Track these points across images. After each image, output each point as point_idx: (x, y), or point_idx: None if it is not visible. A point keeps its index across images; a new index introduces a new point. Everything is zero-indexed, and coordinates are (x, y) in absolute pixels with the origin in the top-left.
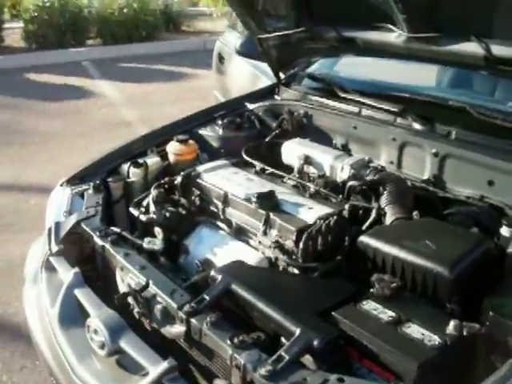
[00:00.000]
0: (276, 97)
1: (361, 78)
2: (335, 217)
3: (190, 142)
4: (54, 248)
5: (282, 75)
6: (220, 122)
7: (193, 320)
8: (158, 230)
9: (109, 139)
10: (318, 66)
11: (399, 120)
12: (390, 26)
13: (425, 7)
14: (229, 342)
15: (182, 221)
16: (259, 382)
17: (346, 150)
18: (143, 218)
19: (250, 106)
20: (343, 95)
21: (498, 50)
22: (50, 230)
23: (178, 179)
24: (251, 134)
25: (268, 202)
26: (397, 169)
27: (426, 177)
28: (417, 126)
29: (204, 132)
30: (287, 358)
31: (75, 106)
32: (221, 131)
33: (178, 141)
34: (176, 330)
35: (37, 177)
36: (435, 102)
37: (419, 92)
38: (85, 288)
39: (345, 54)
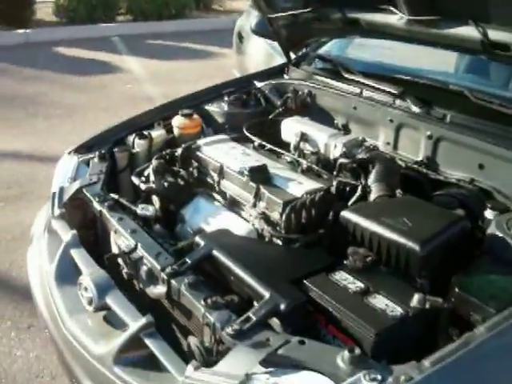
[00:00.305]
0: (285, 76)
1: (367, 60)
2: (321, 192)
3: (195, 116)
4: (56, 212)
5: (292, 55)
6: (226, 99)
7: (173, 281)
8: (155, 199)
9: (132, 114)
10: (329, 48)
11: (398, 102)
12: (392, 8)
13: None
14: (202, 302)
15: (179, 191)
16: (226, 339)
17: (346, 129)
18: (143, 186)
19: (258, 84)
20: (347, 76)
21: (494, 34)
22: (53, 194)
23: (179, 151)
24: (256, 111)
25: (259, 175)
26: (393, 150)
27: (420, 158)
28: (414, 108)
29: (210, 107)
30: (254, 319)
31: (101, 81)
32: (226, 107)
33: (182, 115)
34: (158, 290)
35: (58, 148)
36: (435, 85)
37: (421, 75)
38: (80, 248)
39: (350, 36)
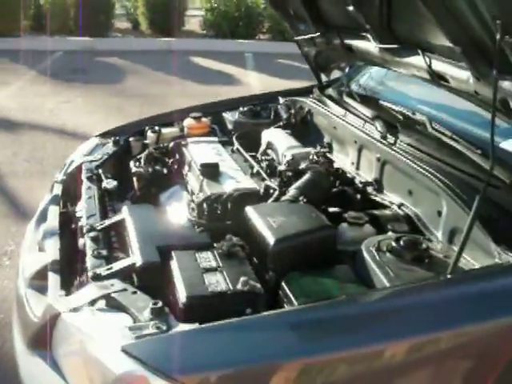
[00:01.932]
0: (310, 96)
1: (374, 89)
2: (242, 191)
3: (203, 119)
4: (60, 177)
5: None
6: (241, 109)
7: (88, 235)
8: (135, 179)
9: None
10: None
11: (366, 125)
12: (368, 36)
13: (381, 18)
14: (91, 252)
15: (161, 178)
16: (89, 280)
17: (330, 147)
18: (133, 169)
19: (281, 100)
20: (346, 100)
21: (437, 65)
22: (64, 164)
23: (170, 145)
24: (262, 122)
25: (208, 170)
26: (355, 170)
27: (371, 179)
28: (375, 132)
29: (225, 115)
30: (114, 269)
31: (216, 91)
32: (237, 116)
33: (192, 117)
34: (81, 242)
35: None
36: (405, 113)
37: (403, 104)
38: (55, 207)
39: (352, 61)
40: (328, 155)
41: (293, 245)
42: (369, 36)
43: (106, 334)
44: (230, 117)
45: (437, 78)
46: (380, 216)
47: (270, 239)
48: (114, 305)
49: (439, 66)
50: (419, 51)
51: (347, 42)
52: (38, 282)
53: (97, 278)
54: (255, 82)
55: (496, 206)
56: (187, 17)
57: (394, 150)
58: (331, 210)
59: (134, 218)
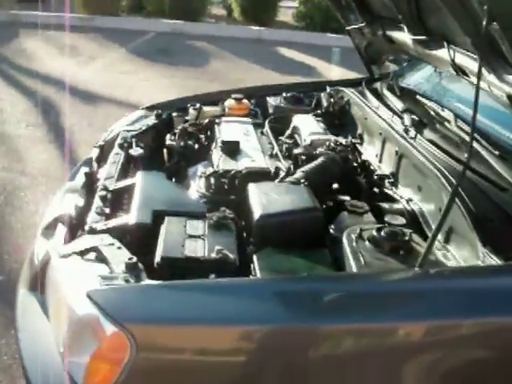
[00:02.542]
0: (359, 88)
1: (416, 85)
2: (253, 170)
3: (244, 101)
4: (100, 143)
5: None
6: (284, 95)
7: (99, 193)
8: (165, 152)
9: None
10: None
11: (395, 118)
12: (404, 27)
13: (410, 10)
14: (95, 209)
15: (192, 152)
16: (85, 232)
17: (361, 138)
18: (168, 142)
19: (328, 89)
20: (386, 93)
21: (460, 59)
22: (108, 132)
23: (205, 122)
24: (301, 108)
25: (229, 148)
26: (378, 162)
27: (389, 171)
28: (399, 125)
29: (269, 99)
30: (109, 225)
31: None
32: (279, 101)
33: (233, 98)
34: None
35: None
36: (434, 108)
37: (439, 101)
38: (85, 168)
39: (395, 54)
40: (350, 145)
41: (276, 222)
42: (404, 27)
43: (80, 280)
44: (272, 101)
45: (460, 72)
46: (383, 208)
47: (256, 214)
48: (99, 257)
49: (462, 59)
50: (445, 43)
51: (388, 33)
52: (49, 231)
53: (91, 231)
54: (336, 76)
55: (498, 208)
56: (283, 8)
57: (412, 145)
58: (340, 197)
59: (142, 183)
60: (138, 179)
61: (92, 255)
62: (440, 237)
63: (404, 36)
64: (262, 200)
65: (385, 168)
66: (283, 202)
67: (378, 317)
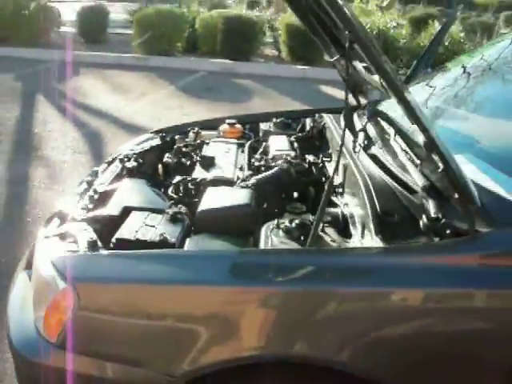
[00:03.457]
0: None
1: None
2: (217, 178)
3: (237, 126)
4: (107, 159)
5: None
6: (274, 120)
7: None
8: (160, 166)
9: None
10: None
11: (351, 138)
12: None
13: None
14: None
15: (183, 168)
16: (69, 221)
17: (330, 156)
18: (165, 159)
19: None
20: (355, 116)
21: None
22: (116, 151)
23: (197, 142)
24: (286, 133)
25: (205, 161)
26: (336, 174)
27: (339, 182)
28: (351, 143)
29: (261, 125)
30: (87, 216)
31: None
32: (267, 126)
33: (227, 123)
34: None
35: None
36: (383, 127)
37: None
38: (90, 178)
39: (364, 83)
40: (313, 160)
41: (211, 215)
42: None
43: (50, 254)
44: (263, 126)
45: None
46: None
47: (199, 209)
48: (72, 238)
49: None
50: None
51: (354, 63)
52: (48, 223)
53: (72, 220)
54: None
55: (402, 207)
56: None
57: (353, 159)
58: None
59: (123, 186)
60: (122, 183)
61: (67, 236)
62: (356, 232)
63: (359, 65)
64: (208, 199)
65: (337, 179)
66: (224, 200)
67: (273, 282)
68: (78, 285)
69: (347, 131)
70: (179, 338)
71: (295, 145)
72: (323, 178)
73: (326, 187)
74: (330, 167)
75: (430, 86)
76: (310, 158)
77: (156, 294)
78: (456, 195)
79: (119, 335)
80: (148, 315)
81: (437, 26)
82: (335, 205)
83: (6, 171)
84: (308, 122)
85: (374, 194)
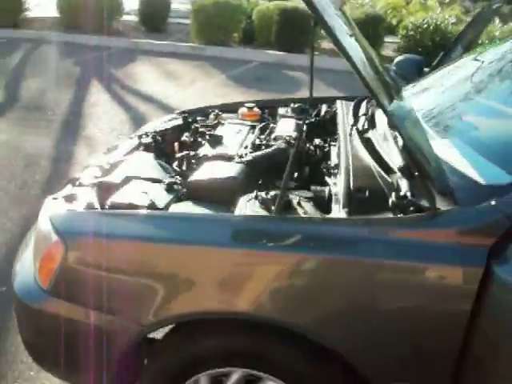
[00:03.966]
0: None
1: None
2: (219, 155)
3: (255, 109)
4: (131, 136)
5: None
6: (292, 105)
7: None
8: (176, 144)
9: None
10: None
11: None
12: None
13: None
14: None
15: (198, 145)
16: (74, 186)
17: (336, 140)
18: (182, 138)
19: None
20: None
21: None
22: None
23: (213, 123)
24: (300, 117)
25: (213, 139)
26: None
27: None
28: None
29: (279, 109)
30: (89, 182)
31: None
32: (285, 111)
33: (246, 106)
34: None
35: None
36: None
37: None
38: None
39: None
40: (317, 143)
41: (198, 184)
42: None
43: (51, 212)
44: (281, 111)
45: None
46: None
47: (189, 178)
48: (75, 200)
49: None
50: None
51: None
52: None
53: (79, 185)
54: None
55: (377, 184)
56: (387, 43)
57: (346, 143)
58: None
59: (131, 158)
60: (131, 156)
61: (71, 198)
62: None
63: None
64: (201, 170)
65: (334, 161)
66: (213, 173)
67: (241, 244)
68: (67, 238)
69: (352, 116)
70: (147, 291)
71: (305, 128)
72: (323, 160)
73: (290, 158)
74: (332, 151)
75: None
76: (315, 141)
77: (132, 250)
78: (416, 173)
79: (99, 285)
80: (123, 269)
81: (497, 24)
82: (326, 184)
83: (53, 148)
84: (324, 108)
85: (351, 173)
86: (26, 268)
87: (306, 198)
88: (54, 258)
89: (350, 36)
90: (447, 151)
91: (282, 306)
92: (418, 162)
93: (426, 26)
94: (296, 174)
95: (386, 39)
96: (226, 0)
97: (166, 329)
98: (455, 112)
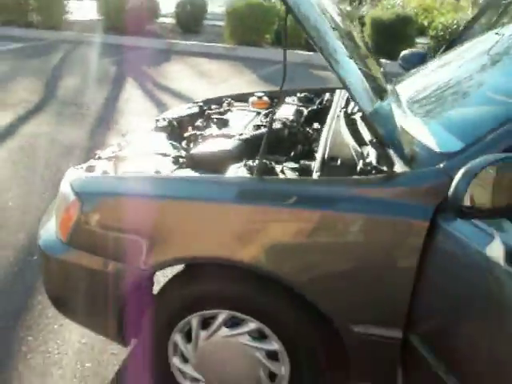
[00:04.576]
0: None
1: None
2: (222, 134)
3: (264, 98)
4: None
5: None
6: (298, 95)
7: None
8: (190, 128)
9: None
10: None
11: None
12: None
13: None
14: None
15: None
16: (94, 159)
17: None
18: (196, 123)
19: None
20: None
21: None
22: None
23: (224, 110)
24: (305, 105)
25: (220, 122)
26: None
27: None
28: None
29: (287, 99)
30: (106, 156)
31: None
32: (291, 100)
33: (256, 96)
34: None
35: None
36: None
37: None
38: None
39: None
40: (311, 126)
41: (196, 156)
42: None
43: (71, 178)
44: (288, 100)
45: None
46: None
47: (190, 152)
48: (94, 170)
49: None
50: None
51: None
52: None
53: (97, 158)
54: None
55: (350, 155)
56: (419, 44)
57: (331, 123)
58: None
59: (144, 137)
60: (146, 135)
61: (90, 168)
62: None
63: None
64: (201, 145)
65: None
66: (212, 147)
67: (230, 199)
68: (82, 197)
69: (344, 101)
70: (144, 240)
71: (305, 113)
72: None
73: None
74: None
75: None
76: (313, 124)
77: (138, 207)
78: (374, 140)
79: (108, 236)
80: (130, 222)
81: None
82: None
83: (86, 139)
84: (326, 96)
85: (328, 145)
86: (49, 229)
87: (290, 167)
88: (71, 215)
89: (334, 29)
90: (414, 126)
91: (259, 253)
92: (379, 135)
93: (455, 26)
94: (292, 153)
95: (418, 40)
96: (259, 2)
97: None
98: (432, 93)
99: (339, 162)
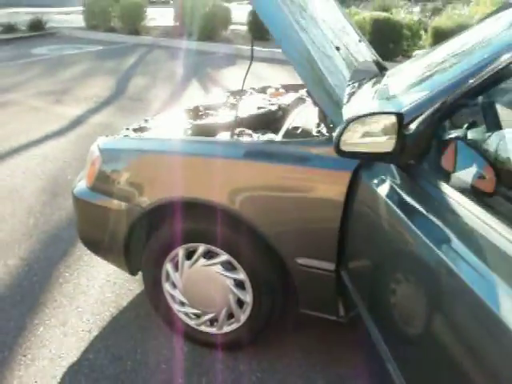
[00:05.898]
0: None
1: None
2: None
3: (280, 90)
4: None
5: None
6: None
7: None
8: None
9: None
10: None
11: None
12: None
13: None
14: None
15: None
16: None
17: None
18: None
19: None
20: None
21: None
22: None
23: (242, 97)
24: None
25: (231, 106)
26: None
27: None
28: None
29: (300, 91)
30: (133, 128)
31: None
32: (304, 91)
33: (274, 88)
34: None
35: None
36: None
37: None
38: None
39: None
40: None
41: (198, 128)
42: None
43: (101, 141)
44: (301, 92)
45: None
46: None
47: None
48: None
49: None
50: None
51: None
52: None
53: (127, 129)
54: None
55: (309, 127)
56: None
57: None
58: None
59: (167, 117)
60: (168, 115)
61: (115, 135)
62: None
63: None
64: (205, 120)
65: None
66: (213, 123)
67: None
68: (104, 152)
69: None
70: (145, 183)
71: (306, 101)
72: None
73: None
74: None
75: None
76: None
77: (148, 160)
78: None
79: (120, 182)
80: (135, 169)
81: None
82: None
83: None
84: None
85: (295, 119)
86: (80, 182)
87: (263, 135)
88: (95, 167)
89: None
90: (364, 104)
91: (230, 197)
92: (324, 113)
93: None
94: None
95: None
96: None
97: None
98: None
99: (300, 130)
